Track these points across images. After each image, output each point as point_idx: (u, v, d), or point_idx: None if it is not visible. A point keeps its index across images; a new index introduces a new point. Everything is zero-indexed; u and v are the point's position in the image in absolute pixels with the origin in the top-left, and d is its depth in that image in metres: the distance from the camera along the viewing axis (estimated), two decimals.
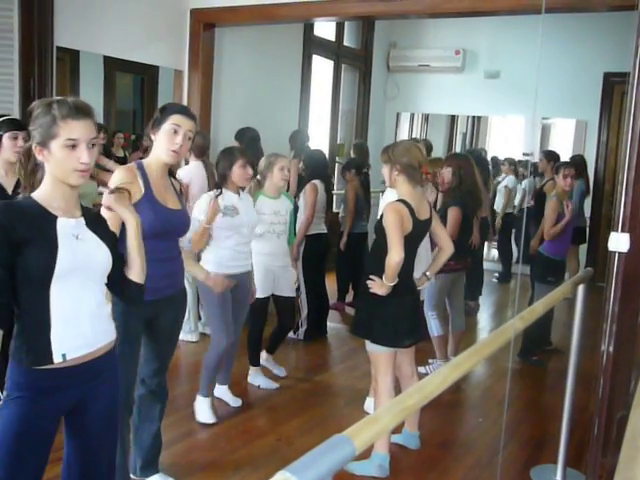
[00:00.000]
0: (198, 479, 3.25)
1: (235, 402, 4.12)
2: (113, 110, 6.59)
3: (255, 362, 4.49)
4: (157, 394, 3.01)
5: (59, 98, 1.95)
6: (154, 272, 2.64)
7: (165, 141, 2.67)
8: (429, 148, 7.16)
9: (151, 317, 2.77)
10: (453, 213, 4.58)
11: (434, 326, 4.76)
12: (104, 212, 2.20)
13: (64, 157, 1.89)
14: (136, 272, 2.18)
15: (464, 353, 1.99)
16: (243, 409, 4.13)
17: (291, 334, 5.54)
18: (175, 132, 2.66)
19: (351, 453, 1.32)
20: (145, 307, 2.68)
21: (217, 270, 3.61)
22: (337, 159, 8.74)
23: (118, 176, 2.62)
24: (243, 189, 3.85)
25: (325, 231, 5.62)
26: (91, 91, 6.14)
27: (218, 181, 3.77)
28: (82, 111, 1.92)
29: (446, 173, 4.77)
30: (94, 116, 1.96)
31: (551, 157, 6.70)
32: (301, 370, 4.84)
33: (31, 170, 1.96)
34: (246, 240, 3.80)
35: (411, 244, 3.25)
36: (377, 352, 3.38)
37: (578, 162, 6.75)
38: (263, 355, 4.70)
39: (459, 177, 4.71)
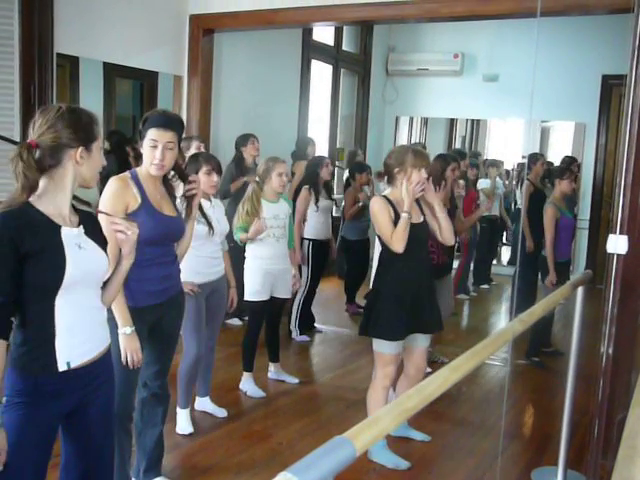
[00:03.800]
0: None
1: (220, 413, 4.05)
2: (113, 116, 6.61)
3: (248, 367, 4.47)
4: (159, 397, 3.03)
5: (71, 105, 2.02)
6: (155, 274, 2.69)
7: (147, 156, 2.69)
8: None
9: (155, 321, 2.79)
10: None
11: None
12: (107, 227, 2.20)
13: (100, 158, 2.02)
14: (107, 298, 2.17)
15: (464, 355, 2.00)
16: (244, 413, 4.14)
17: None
18: (154, 147, 2.66)
19: (351, 455, 1.33)
20: (150, 311, 2.72)
21: (193, 279, 3.55)
22: (337, 163, 8.75)
23: (112, 185, 2.64)
24: (215, 196, 3.81)
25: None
26: (91, 97, 6.15)
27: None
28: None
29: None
30: None
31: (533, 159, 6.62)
32: (303, 374, 4.84)
33: (39, 178, 1.91)
34: (219, 247, 3.80)
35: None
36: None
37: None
38: (271, 367, 4.71)
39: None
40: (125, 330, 2.57)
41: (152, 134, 2.67)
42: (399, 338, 3.42)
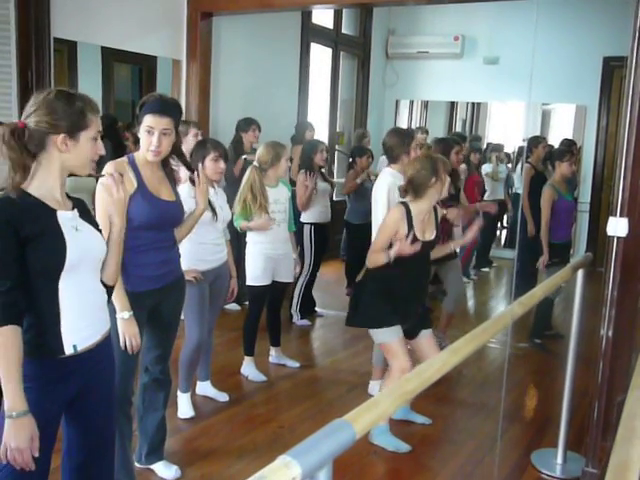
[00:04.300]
0: (201, 466, 3.28)
1: (221, 397, 4.06)
2: (112, 101, 6.59)
3: (249, 351, 4.48)
4: (161, 382, 3.04)
5: (71, 90, 1.98)
6: (154, 259, 2.69)
7: (143, 141, 2.68)
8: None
9: (154, 305, 2.80)
10: None
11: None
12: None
13: (90, 148, 1.96)
14: (108, 274, 2.15)
15: (463, 338, 2.01)
16: (245, 397, 4.16)
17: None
18: (150, 133, 2.65)
19: (351, 437, 1.33)
20: (149, 296, 2.73)
21: (197, 266, 3.55)
22: (337, 147, 8.74)
23: (109, 170, 2.63)
24: (218, 182, 3.80)
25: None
26: (89, 82, 6.13)
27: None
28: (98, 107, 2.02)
29: None
30: None
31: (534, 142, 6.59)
32: (304, 358, 4.86)
33: (27, 160, 1.90)
34: (221, 234, 3.79)
35: None
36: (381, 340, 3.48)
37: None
38: (272, 352, 4.73)
39: None
40: (123, 315, 2.57)
41: (148, 120, 2.65)
42: (386, 325, 3.39)
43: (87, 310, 2.01)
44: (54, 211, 1.93)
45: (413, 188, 3.37)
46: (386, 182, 4.00)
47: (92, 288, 2.04)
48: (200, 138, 4.66)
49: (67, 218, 1.95)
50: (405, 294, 3.41)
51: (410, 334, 3.49)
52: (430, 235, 3.43)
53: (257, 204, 4.19)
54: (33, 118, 1.90)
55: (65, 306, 1.94)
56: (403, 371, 3.35)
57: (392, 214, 3.39)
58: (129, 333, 2.59)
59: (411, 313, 3.46)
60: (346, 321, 3.59)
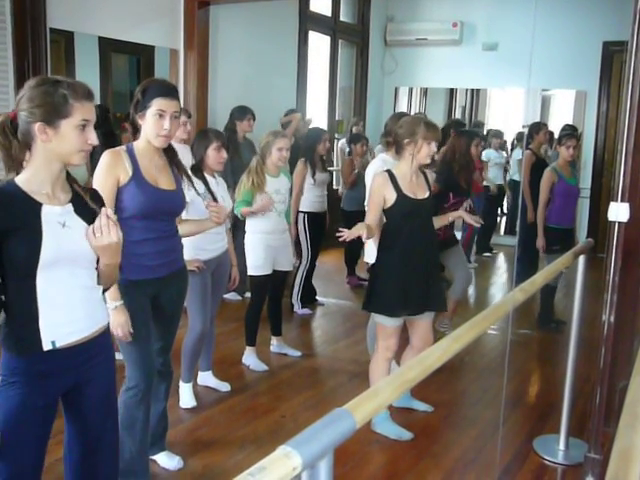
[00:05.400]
0: (203, 457, 3.27)
1: (223, 387, 4.05)
2: (110, 91, 6.57)
3: (251, 341, 4.47)
4: (162, 374, 3.01)
5: (59, 77, 1.92)
6: (150, 249, 2.66)
7: (152, 127, 2.62)
8: None
9: (153, 295, 2.77)
10: None
11: None
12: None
13: (75, 137, 1.88)
14: (101, 284, 2.10)
15: (464, 325, 2.00)
16: (247, 387, 4.16)
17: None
18: (161, 117, 2.61)
19: (351, 427, 1.32)
20: (147, 285, 2.71)
21: (199, 256, 3.55)
22: (336, 135, 8.71)
23: (104, 159, 2.61)
24: (219, 172, 3.79)
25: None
26: (87, 72, 6.11)
27: (195, 164, 3.66)
28: (91, 94, 1.93)
29: None
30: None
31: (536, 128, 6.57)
32: (305, 347, 4.86)
33: (19, 151, 1.89)
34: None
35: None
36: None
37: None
38: (273, 341, 4.73)
39: None
40: (111, 305, 2.53)
41: (159, 104, 2.61)
42: (399, 315, 3.41)
43: (71, 307, 1.96)
44: (39, 205, 1.88)
45: (394, 143, 3.45)
46: (373, 168, 4.00)
47: (79, 285, 1.97)
48: (189, 127, 4.64)
49: (54, 213, 1.90)
50: (414, 275, 3.39)
51: (416, 311, 3.48)
52: (423, 194, 3.40)
53: (250, 182, 4.19)
54: (20, 107, 1.89)
55: (44, 302, 1.90)
56: (387, 350, 3.47)
57: (375, 181, 3.39)
58: (117, 322, 2.56)
59: (421, 295, 3.44)
60: (362, 305, 3.59)
